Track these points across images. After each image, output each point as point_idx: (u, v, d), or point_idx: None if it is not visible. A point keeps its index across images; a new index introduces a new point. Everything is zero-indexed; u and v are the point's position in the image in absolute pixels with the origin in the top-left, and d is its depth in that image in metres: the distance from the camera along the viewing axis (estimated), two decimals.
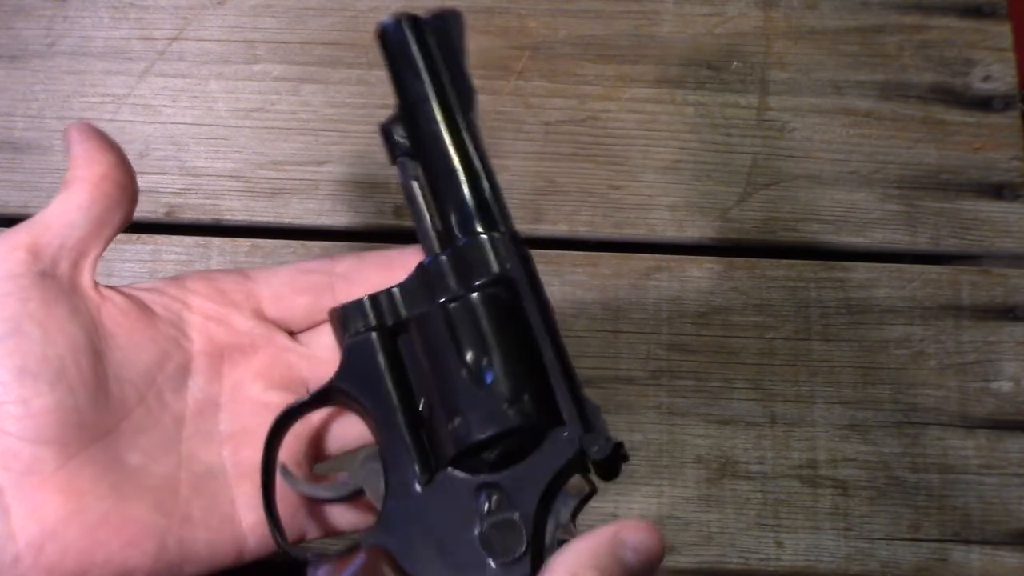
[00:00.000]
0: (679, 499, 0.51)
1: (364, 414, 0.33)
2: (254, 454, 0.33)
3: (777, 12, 0.60)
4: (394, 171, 0.56)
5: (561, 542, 0.30)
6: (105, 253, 0.54)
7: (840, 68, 0.59)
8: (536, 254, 0.54)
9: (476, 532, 0.30)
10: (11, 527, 0.29)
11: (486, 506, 0.30)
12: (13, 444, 0.29)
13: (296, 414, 0.33)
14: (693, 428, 0.52)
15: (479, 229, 0.32)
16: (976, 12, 0.60)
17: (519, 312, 0.32)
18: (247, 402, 0.34)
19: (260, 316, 0.35)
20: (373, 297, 0.33)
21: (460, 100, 0.34)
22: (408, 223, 0.55)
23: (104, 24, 0.58)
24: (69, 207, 0.33)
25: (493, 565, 0.29)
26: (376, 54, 0.58)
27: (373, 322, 0.33)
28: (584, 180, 0.56)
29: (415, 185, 0.33)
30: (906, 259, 0.56)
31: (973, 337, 0.54)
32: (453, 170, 0.33)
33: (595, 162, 0.56)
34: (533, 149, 0.57)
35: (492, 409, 0.30)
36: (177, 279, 0.35)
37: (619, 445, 0.31)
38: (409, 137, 0.33)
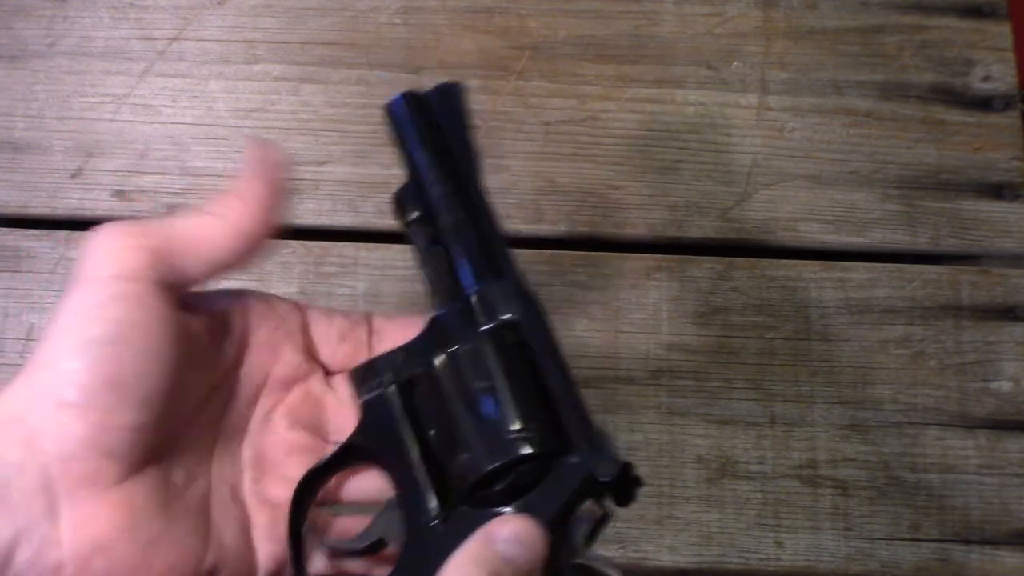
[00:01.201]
0: (679, 499, 0.51)
1: (383, 466, 0.34)
2: (272, 486, 0.33)
3: (777, 12, 0.60)
4: (394, 170, 0.56)
5: (577, 567, 0.30)
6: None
7: (840, 68, 0.59)
8: (536, 254, 0.55)
9: None
10: (59, 533, 0.28)
11: None
12: (79, 451, 0.28)
13: (319, 476, 0.33)
14: (693, 428, 0.52)
15: (486, 280, 0.33)
16: (976, 12, 0.60)
17: (526, 350, 0.32)
18: (271, 433, 0.34)
19: (307, 352, 0.35)
20: (386, 355, 0.34)
21: (465, 164, 0.35)
22: None
23: (104, 24, 0.58)
24: (214, 234, 0.31)
25: None
26: (376, 54, 0.59)
27: (386, 378, 0.34)
28: (584, 180, 0.56)
29: (426, 248, 0.35)
30: (906, 259, 0.56)
31: (973, 337, 0.54)
32: (461, 228, 0.34)
33: (595, 162, 0.56)
34: (533, 149, 0.57)
35: (500, 441, 0.31)
36: (238, 292, 0.34)
37: (627, 466, 0.31)
38: (419, 202, 0.35)
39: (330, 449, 0.34)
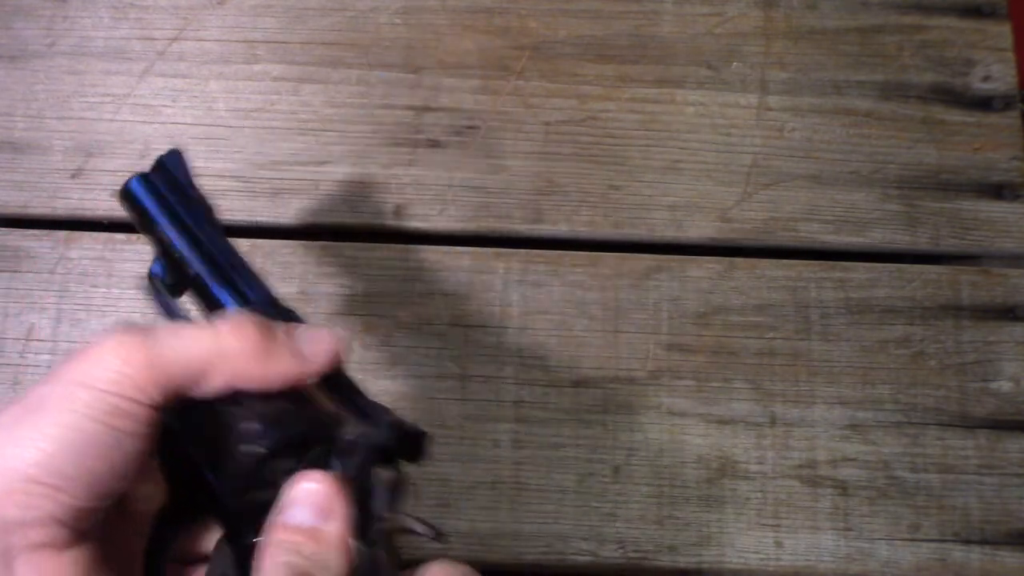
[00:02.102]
0: (679, 499, 0.51)
1: (203, 510, 0.34)
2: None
3: (777, 12, 0.60)
4: (394, 170, 0.57)
5: (386, 532, 0.31)
6: (105, 253, 0.54)
7: (840, 68, 0.59)
8: (536, 254, 0.55)
9: None
10: None
11: None
12: (41, 521, 0.29)
13: (165, 533, 0.34)
14: (693, 428, 0.52)
15: (247, 302, 0.35)
16: (976, 12, 0.60)
17: None
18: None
19: None
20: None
21: (196, 219, 0.38)
22: (409, 224, 0.55)
23: (104, 24, 0.58)
24: (231, 372, 0.31)
25: None
26: (376, 54, 0.59)
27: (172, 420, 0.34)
28: (584, 180, 0.56)
29: (192, 314, 0.36)
30: (906, 259, 0.56)
31: (973, 337, 0.54)
32: (211, 269, 0.36)
33: (595, 162, 0.56)
34: (533, 149, 0.57)
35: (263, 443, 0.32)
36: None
37: (399, 424, 0.32)
38: (169, 273, 0.37)
39: None
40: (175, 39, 0.58)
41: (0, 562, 0.29)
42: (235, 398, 0.32)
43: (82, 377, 0.29)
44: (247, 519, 0.32)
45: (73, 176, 0.56)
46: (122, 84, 0.57)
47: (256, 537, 0.32)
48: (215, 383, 0.31)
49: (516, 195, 0.56)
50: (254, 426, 0.31)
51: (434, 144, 0.56)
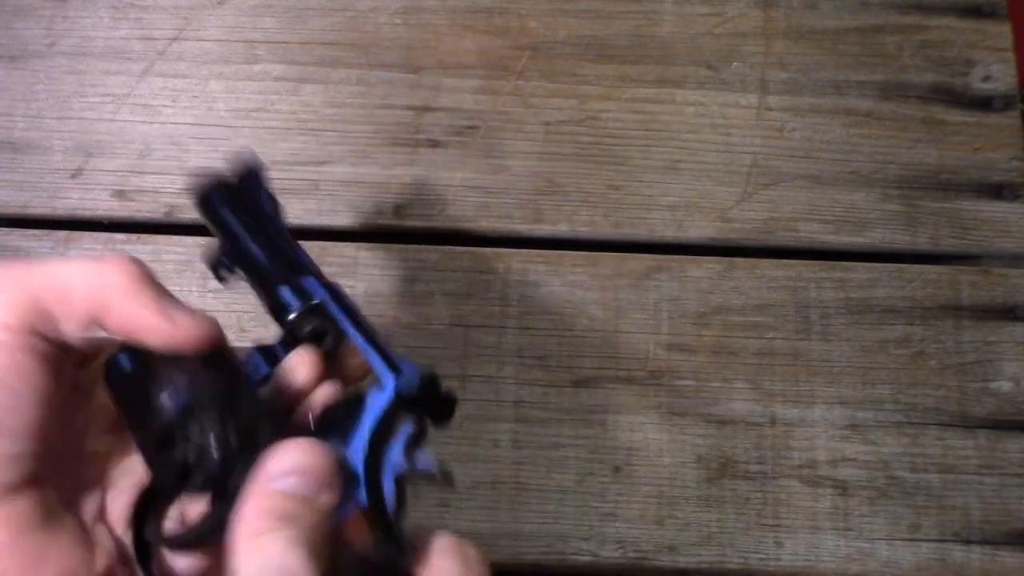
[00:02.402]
0: (679, 499, 0.51)
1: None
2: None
3: (777, 12, 0.60)
4: (394, 170, 0.57)
5: (403, 479, 0.32)
6: (105, 253, 0.54)
7: (840, 68, 0.59)
8: (536, 254, 0.55)
9: None
10: None
11: None
12: None
13: (151, 499, 0.34)
14: (693, 428, 0.52)
15: (297, 291, 0.37)
16: (976, 12, 0.60)
17: (334, 323, 0.37)
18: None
19: None
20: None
21: (268, 215, 0.40)
22: (409, 224, 0.55)
23: (104, 24, 0.58)
24: (110, 297, 0.31)
25: None
26: (376, 54, 0.59)
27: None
28: (584, 180, 0.56)
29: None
30: (906, 259, 0.56)
31: (973, 337, 0.54)
32: (264, 273, 0.38)
33: (595, 162, 0.57)
34: (533, 149, 0.57)
35: None
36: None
37: (431, 377, 0.33)
38: (233, 261, 0.39)
39: None
40: (175, 39, 0.58)
41: None
42: (148, 365, 0.32)
43: None
44: (168, 475, 0.32)
45: (73, 176, 0.56)
46: (122, 84, 0.57)
47: (175, 498, 0.32)
48: (82, 312, 0.30)
49: (516, 195, 0.56)
50: (164, 394, 0.32)
51: (434, 144, 0.56)
